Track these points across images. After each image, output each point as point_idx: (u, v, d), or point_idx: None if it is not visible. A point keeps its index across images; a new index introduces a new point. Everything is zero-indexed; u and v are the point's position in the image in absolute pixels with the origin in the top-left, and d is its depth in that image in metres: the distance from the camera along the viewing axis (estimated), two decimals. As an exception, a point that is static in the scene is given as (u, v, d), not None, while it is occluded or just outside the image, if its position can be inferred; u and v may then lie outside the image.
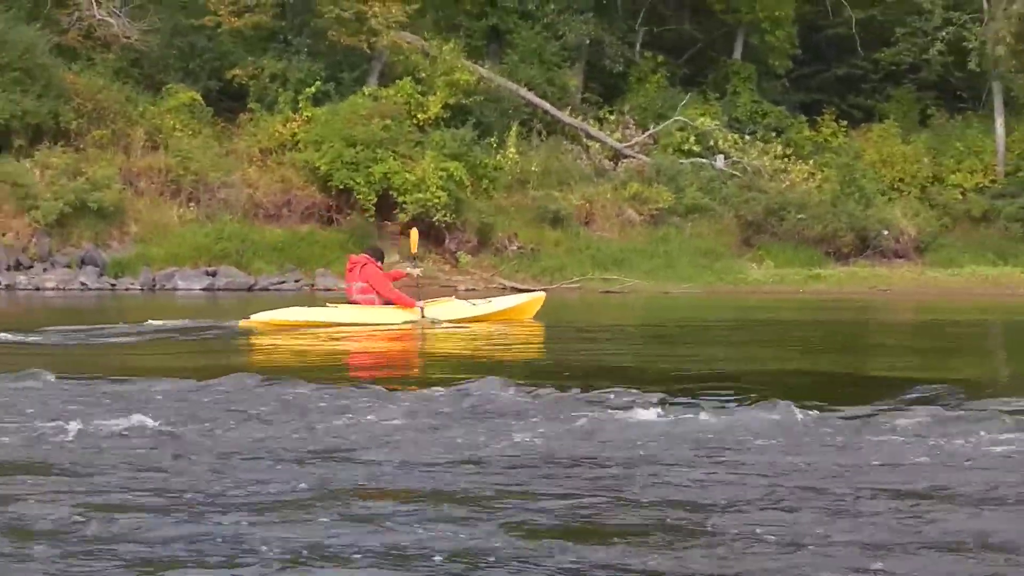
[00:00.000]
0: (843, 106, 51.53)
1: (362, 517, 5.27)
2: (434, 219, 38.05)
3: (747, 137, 46.89)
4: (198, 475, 6.09)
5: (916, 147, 48.63)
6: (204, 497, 5.61)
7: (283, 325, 17.58)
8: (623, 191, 42.97)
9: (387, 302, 18.35)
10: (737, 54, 50.65)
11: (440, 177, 37.88)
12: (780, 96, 50.84)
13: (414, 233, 21.91)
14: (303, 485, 5.85)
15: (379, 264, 18.63)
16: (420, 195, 37.70)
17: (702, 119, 46.12)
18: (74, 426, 7.37)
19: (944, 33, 48.44)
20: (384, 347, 16.56)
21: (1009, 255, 44.63)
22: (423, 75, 41.27)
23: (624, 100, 47.69)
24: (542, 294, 21.11)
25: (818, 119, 50.24)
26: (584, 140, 45.09)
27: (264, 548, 4.73)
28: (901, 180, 47.77)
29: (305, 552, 4.69)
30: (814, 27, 52.25)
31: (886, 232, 43.96)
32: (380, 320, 18.06)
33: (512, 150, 42.17)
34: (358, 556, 4.68)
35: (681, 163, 44.64)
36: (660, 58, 49.22)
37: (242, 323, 17.61)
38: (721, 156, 45.59)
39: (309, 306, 19.26)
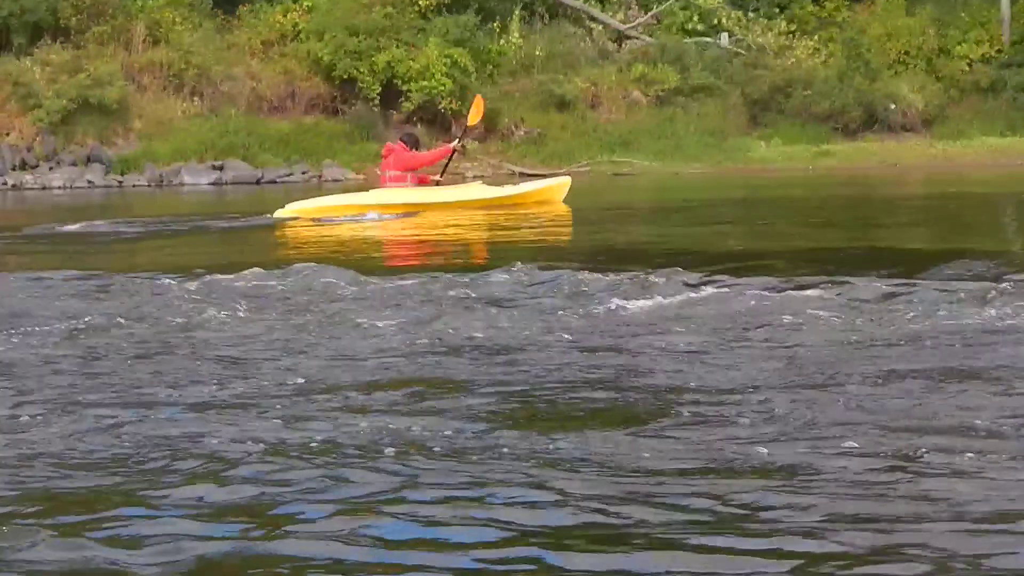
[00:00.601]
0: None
1: (356, 407, 5.43)
2: (440, 107, 38.35)
3: (751, 14, 46.97)
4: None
5: (921, 19, 48.56)
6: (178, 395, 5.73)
7: (316, 213, 18.43)
8: (628, 73, 43.09)
9: (439, 178, 19.69)
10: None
11: (445, 64, 38.08)
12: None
13: (479, 101, 22.21)
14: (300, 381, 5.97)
15: (412, 150, 19.26)
16: (425, 83, 37.95)
17: (704, -2, 46.01)
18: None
19: None
20: (408, 234, 17.18)
21: (1018, 126, 44.91)
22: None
23: (625, -21, 47.53)
24: (568, 178, 21.47)
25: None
26: (587, 22, 45.11)
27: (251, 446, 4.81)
28: (906, 53, 47.73)
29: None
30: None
31: (893, 106, 44.12)
32: (416, 199, 18.92)
33: (516, 35, 42.33)
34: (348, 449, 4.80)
35: (685, 43, 44.70)
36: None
37: (277, 214, 18.27)
38: (725, 34, 45.64)
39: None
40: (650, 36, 45.23)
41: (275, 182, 35.21)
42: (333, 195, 20.15)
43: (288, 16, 39.64)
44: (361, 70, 37.99)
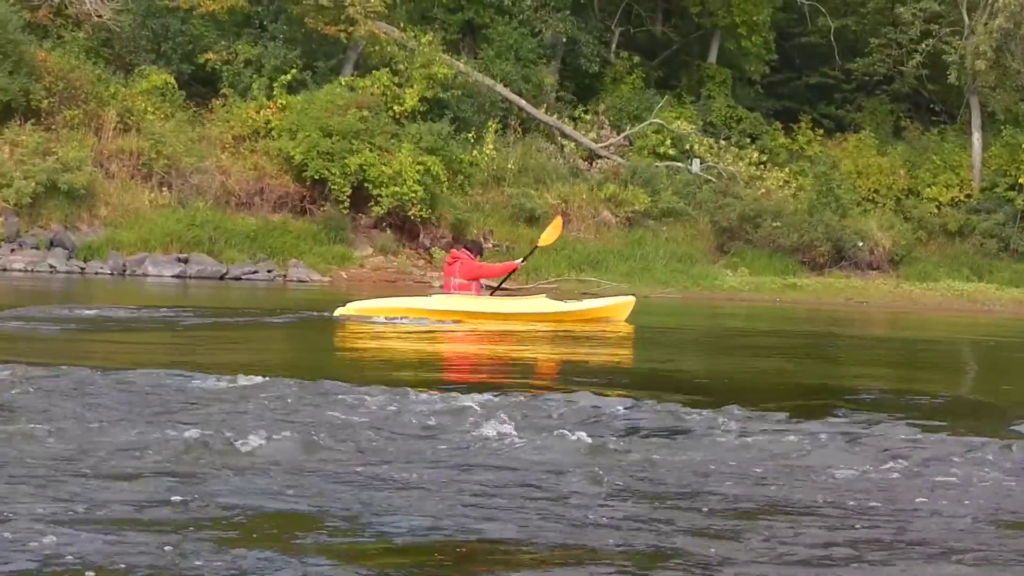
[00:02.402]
0: (814, 115, 53.60)
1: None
2: (409, 213, 39.67)
3: (722, 142, 49.03)
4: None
5: (892, 159, 50.84)
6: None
7: (383, 314, 19.29)
8: (599, 192, 44.93)
9: (495, 290, 20.98)
10: (712, 58, 52.83)
11: (417, 171, 39.43)
12: (753, 102, 52.91)
13: (558, 222, 23.50)
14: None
15: (476, 257, 20.48)
16: (396, 188, 39.24)
17: (677, 122, 48.10)
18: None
19: (924, 45, 50.39)
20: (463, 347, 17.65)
21: (984, 271, 46.99)
22: (400, 67, 42.87)
23: (599, 100, 49.80)
24: (632, 298, 22.35)
25: (794, 127, 52.21)
26: (559, 139, 46.94)
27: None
28: (876, 192, 49.91)
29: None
30: (785, 35, 54.38)
31: (861, 243, 45.84)
32: (479, 308, 19.95)
33: (490, 146, 44.05)
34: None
35: (656, 166, 46.66)
36: (636, 59, 51.14)
37: (339, 311, 19.22)
38: (697, 160, 47.54)
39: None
40: (621, 157, 46.92)
41: (239, 279, 35.99)
42: (396, 298, 20.82)
43: (261, 112, 41.01)
44: (332, 171, 39.22)
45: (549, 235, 22.74)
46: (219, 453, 6.74)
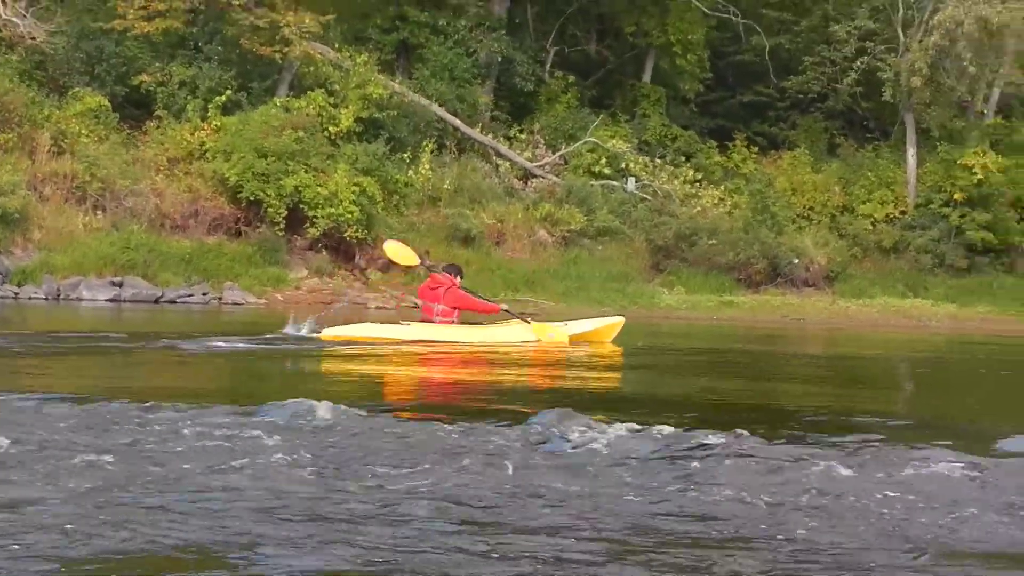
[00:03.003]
0: (749, 133, 54.64)
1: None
2: (345, 234, 40.13)
3: (657, 161, 49.99)
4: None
5: (827, 176, 51.95)
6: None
7: (358, 340, 18.88)
8: (534, 211, 45.73)
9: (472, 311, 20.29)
10: (647, 77, 53.80)
11: (353, 192, 39.92)
12: (688, 121, 53.96)
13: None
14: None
15: (458, 279, 19.96)
16: (332, 209, 39.69)
17: (612, 141, 49.02)
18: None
19: (859, 63, 51.43)
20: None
21: (919, 287, 48.11)
22: (336, 87, 43.42)
23: (534, 119, 50.64)
24: (621, 319, 21.95)
25: (728, 145, 53.17)
26: (495, 159, 47.75)
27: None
28: (811, 209, 50.96)
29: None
30: (719, 54, 55.48)
31: (796, 261, 46.70)
32: (457, 338, 19.28)
33: (426, 166, 44.74)
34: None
35: (592, 185, 47.52)
36: (570, 78, 52.04)
37: (317, 336, 18.97)
38: (632, 179, 48.38)
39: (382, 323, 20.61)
40: (557, 176, 47.73)
41: (175, 302, 36.06)
42: (378, 324, 20.18)
43: (196, 134, 41.37)
44: (268, 193, 39.71)
45: (540, 332, 20.12)
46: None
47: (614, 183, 48.26)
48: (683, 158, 51.29)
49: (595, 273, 44.01)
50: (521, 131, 49.76)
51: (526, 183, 47.83)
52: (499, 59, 49.69)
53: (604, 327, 21.23)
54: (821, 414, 11.07)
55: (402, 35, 48.75)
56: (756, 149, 53.79)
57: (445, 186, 45.00)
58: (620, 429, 8.30)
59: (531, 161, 48.28)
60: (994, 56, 50.25)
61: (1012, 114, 53.90)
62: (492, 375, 15.31)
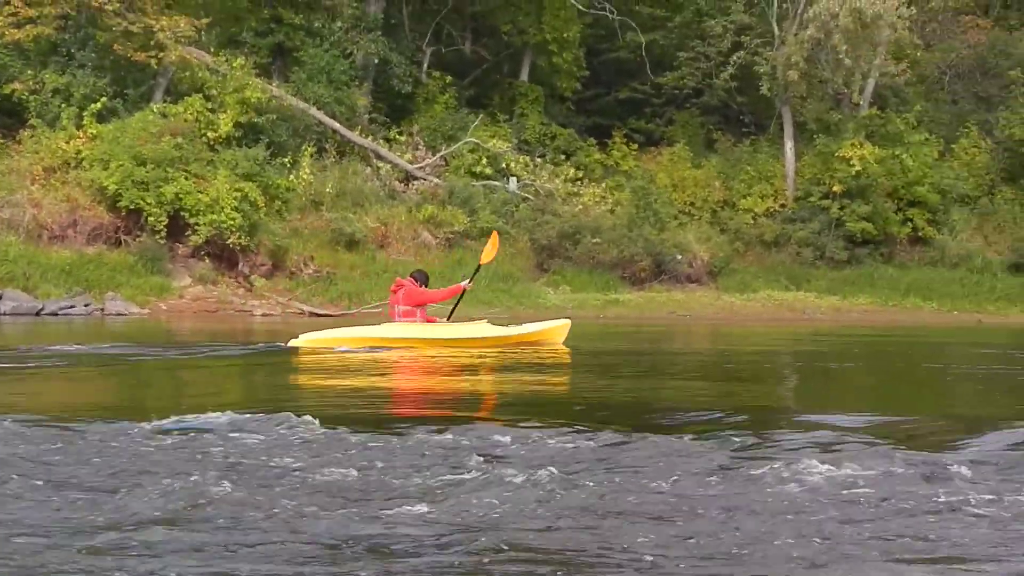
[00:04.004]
0: (626, 130, 55.68)
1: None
2: (228, 241, 40.49)
3: (537, 160, 51.04)
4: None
5: (707, 171, 53.19)
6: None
7: (331, 344, 20.04)
8: (417, 213, 46.54)
9: (450, 315, 21.92)
10: (524, 76, 54.66)
11: (234, 198, 40.38)
12: (566, 119, 54.90)
13: (495, 237, 23.87)
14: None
15: (421, 285, 21.24)
16: (213, 216, 40.11)
17: (492, 141, 49.91)
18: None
19: (735, 58, 52.67)
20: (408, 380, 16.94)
21: (801, 279, 49.54)
22: (213, 92, 43.86)
23: (413, 121, 51.34)
24: (568, 321, 23.48)
25: (608, 142, 54.09)
26: (375, 161, 48.35)
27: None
28: (692, 204, 52.20)
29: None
30: (595, 51, 56.49)
31: (680, 257, 47.78)
32: (426, 335, 20.73)
33: (306, 171, 45.18)
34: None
35: (473, 185, 48.39)
36: (448, 79, 52.81)
37: (291, 343, 20.05)
38: (513, 179, 49.24)
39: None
40: (438, 178, 48.60)
41: (56, 314, 35.92)
42: (346, 328, 21.65)
43: (71, 143, 41.52)
44: (148, 201, 39.98)
45: (488, 252, 23.22)
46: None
47: (496, 183, 49.18)
48: (563, 157, 52.41)
49: (480, 274, 44.48)
50: (400, 133, 50.52)
51: (408, 185, 48.52)
52: (376, 61, 50.38)
53: (555, 328, 22.69)
54: (704, 410, 11.20)
55: (277, 38, 49.19)
56: (635, 146, 54.96)
57: (327, 190, 45.54)
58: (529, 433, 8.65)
59: (412, 163, 49.05)
60: (868, 47, 51.74)
61: (887, 105, 55.37)
62: (423, 382, 15.85)
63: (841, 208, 51.09)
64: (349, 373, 16.34)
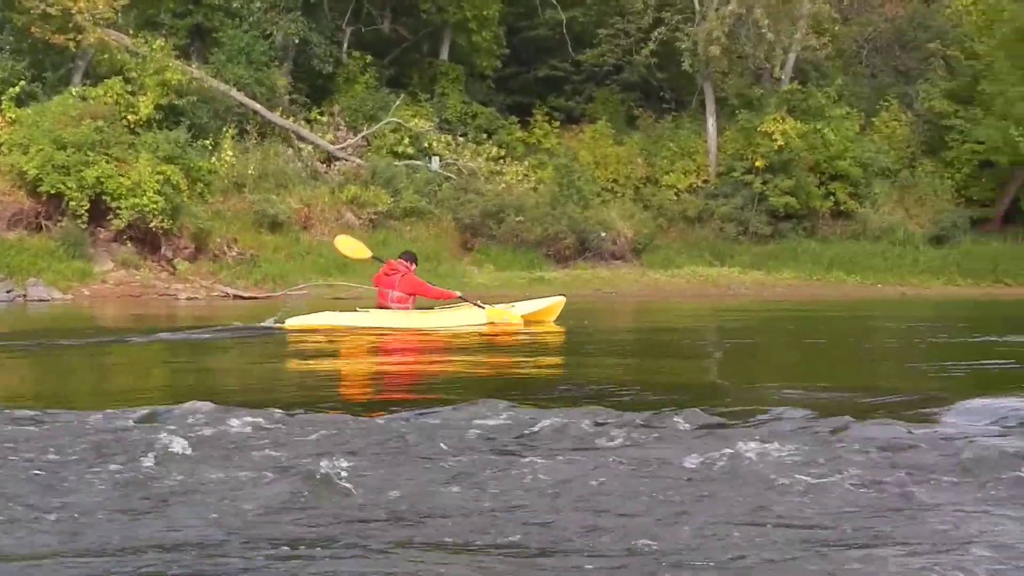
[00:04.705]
0: (547, 108, 56.26)
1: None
2: (150, 225, 40.73)
3: (459, 139, 51.77)
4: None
5: (629, 148, 53.94)
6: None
7: (319, 329, 19.67)
8: (340, 194, 47.11)
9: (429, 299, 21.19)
10: (444, 55, 55.15)
11: (156, 181, 40.56)
12: (487, 97, 55.47)
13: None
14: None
15: (413, 267, 20.88)
16: (136, 200, 40.24)
17: (414, 121, 50.43)
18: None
19: (656, 33, 53.37)
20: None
21: (725, 255, 50.53)
22: (133, 74, 44.08)
23: (334, 101, 51.75)
24: (563, 298, 23.23)
25: (529, 120, 54.69)
26: (297, 142, 48.90)
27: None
28: (615, 182, 52.95)
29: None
30: (514, 29, 57.09)
31: (604, 234, 48.47)
32: (418, 325, 20.20)
33: (228, 152, 45.70)
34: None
35: (396, 165, 48.97)
36: (368, 58, 53.31)
37: (278, 325, 19.79)
38: (436, 158, 49.78)
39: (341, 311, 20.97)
40: (360, 158, 49.21)
41: None
42: (336, 313, 20.70)
43: (-11, 127, 41.81)
44: (68, 185, 40.13)
45: (501, 316, 21.23)
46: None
47: (418, 163, 49.81)
48: (485, 135, 53.13)
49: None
50: (321, 113, 51.04)
51: (330, 166, 49.12)
52: (295, 41, 50.74)
53: (549, 307, 22.41)
54: (630, 387, 11.17)
55: (196, 19, 49.41)
56: (557, 124, 55.59)
57: (249, 172, 46.04)
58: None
59: (333, 144, 49.62)
60: (789, 22, 52.69)
61: (807, 79, 56.34)
62: (419, 364, 15.59)
63: (764, 183, 52.20)
64: (337, 357, 16.41)
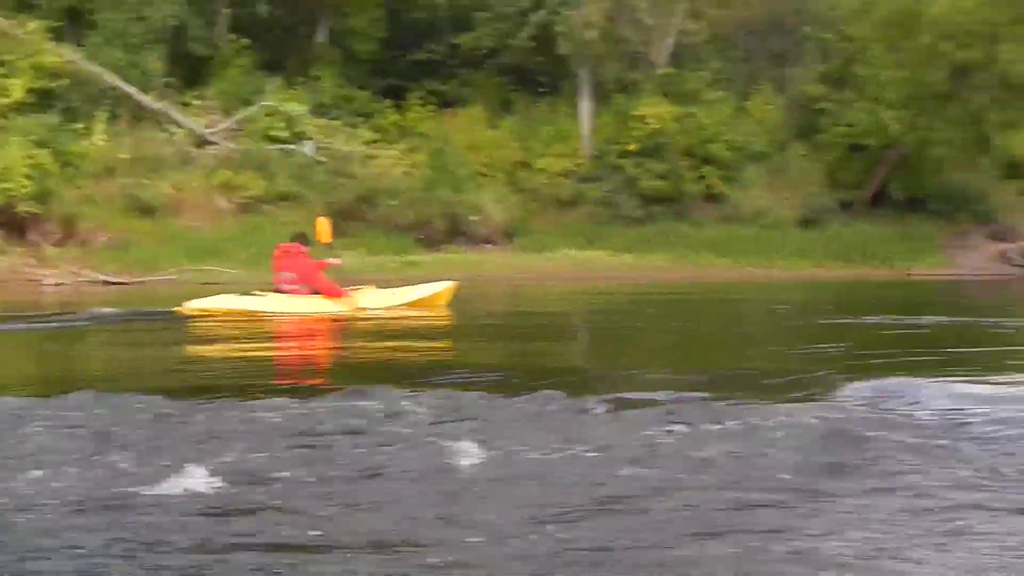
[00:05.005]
0: (423, 92, 56.70)
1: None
2: (17, 210, 40.91)
3: (334, 122, 52.14)
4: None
5: (503, 132, 54.48)
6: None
7: (216, 313, 20.49)
8: (213, 178, 47.40)
9: (316, 291, 21.70)
10: (322, 37, 55.29)
11: (27, 166, 40.75)
12: (363, 81, 55.75)
13: (322, 222, 24.58)
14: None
15: (306, 249, 21.86)
16: (4, 185, 40.46)
17: (289, 104, 50.76)
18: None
19: (534, 17, 53.89)
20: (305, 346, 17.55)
21: (597, 238, 51.12)
22: (5, 57, 44.15)
23: (208, 85, 51.79)
24: (455, 282, 24.48)
25: (404, 104, 55.29)
26: (170, 126, 49.01)
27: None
28: (489, 165, 53.39)
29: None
30: (391, 12, 57.28)
31: (476, 217, 49.01)
32: (313, 310, 21.25)
33: (100, 136, 45.84)
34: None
35: (269, 149, 49.30)
36: (244, 41, 53.56)
37: (176, 310, 20.56)
38: (310, 142, 50.22)
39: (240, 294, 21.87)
40: (234, 142, 49.65)
41: None
42: (235, 296, 21.68)
43: None
44: (-63, 170, 40.28)
45: (325, 233, 23.95)
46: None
47: (291, 147, 50.04)
48: (360, 119, 53.48)
49: (278, 239, 44.68)
50: (196, 97, 51.12)
51: (203, 150, 49.19)
52: (172, 24, 50.62)
53: (440, 292, 23.66)
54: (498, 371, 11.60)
55: (71, 0, 49.28)
56: (432, 108, 56.00)
57: (121, 156, 46.12)
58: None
59: (207, 127, 49.78)
60: (668, 6, 53.37)
61: (683, 63, 57.07)
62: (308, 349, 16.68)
63: (636, 167, 52.93)
64: (231, 341, 16.80)
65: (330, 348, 16.55)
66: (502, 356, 14.34)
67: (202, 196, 46.66)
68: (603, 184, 53.24)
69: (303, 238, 22.50)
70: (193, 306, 20.50)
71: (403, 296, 23.14)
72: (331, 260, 22.93)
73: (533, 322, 22.08)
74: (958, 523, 5.55)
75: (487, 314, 25.63)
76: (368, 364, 13.36)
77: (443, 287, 24.00)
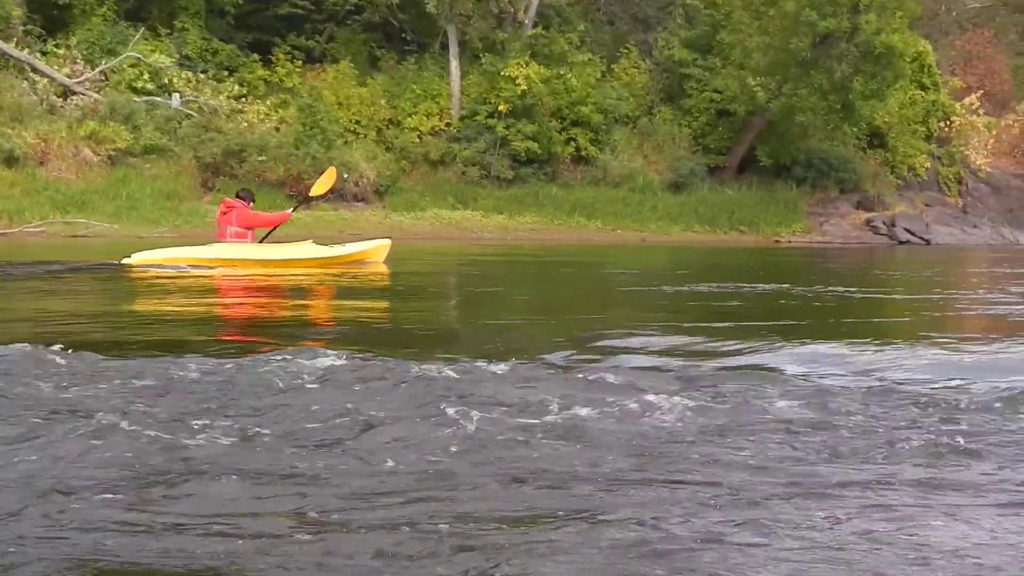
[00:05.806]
0: (287, 47, 56.31)
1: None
2: None
3: (200, 75, 51.55)
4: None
5: (372, 89, 54.40)
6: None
7: (167, 263, 20.87)
8: (78, 129, 46.35)
9: (263, 239, 22.67)
10: (184, -11, 54.55)
11: None
12: (227, 34, 55.30)
13: (332, 172, 25.28)
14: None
15: (249, 205, 22.49)
16: None
17: (154, 56, 49.97)
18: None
19: (399, -28, 54.15)
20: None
21: (468, 198, 51.44)
22: None
23: (70, 34, 50.58)
24: (388, 240, 25.07)
25: (271, 59, 54.69)
26: (31, 75, 48.11)
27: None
28: (358, 123, 53.43)
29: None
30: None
31: (347, 175, 48.82)
32: (259, 256, 21.95)
33: (-41, 84, 44.45)
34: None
35: (135, 101, 48.52)
36: (106, -11, 52.38)
37: (124, 261, 20.73)
38: (177, 95, 49.41)
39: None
40: (99, 93, 48.60)
41: None
42: (177, 248, 22.34)
43: None
44: None
45: (322, 184, 24.72)
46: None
47: (158, 99, 49.43)
48: (226, 73, 53.00)
49: (145, 192, 45.09)
50: (57, 46, 50.19)
51: (67, 100, 48.40)
52: (31, -31, 49.64)
53: (377, 248, 24.29)
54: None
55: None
56: (299, 63, 55.63)
57: (-18, 104, 45.11)
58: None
59: (70, 77, 48.88)
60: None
61: (550, 25, 57.41)
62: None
63: (507, 127, 53.13)
64: (180, 294, 16.45)
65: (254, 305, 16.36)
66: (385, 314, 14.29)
67: (68, 147, 45.83)
68: (473, 144, 53.34)
69: (248, 194, 23.15)
70: (139, 258, 20.89)
71: (340, 251, 23.61)
72: (289, 212, 24.02)
73: (408, 281, 21.82)
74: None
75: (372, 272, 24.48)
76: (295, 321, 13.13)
77: (378, 244, 24.62)
